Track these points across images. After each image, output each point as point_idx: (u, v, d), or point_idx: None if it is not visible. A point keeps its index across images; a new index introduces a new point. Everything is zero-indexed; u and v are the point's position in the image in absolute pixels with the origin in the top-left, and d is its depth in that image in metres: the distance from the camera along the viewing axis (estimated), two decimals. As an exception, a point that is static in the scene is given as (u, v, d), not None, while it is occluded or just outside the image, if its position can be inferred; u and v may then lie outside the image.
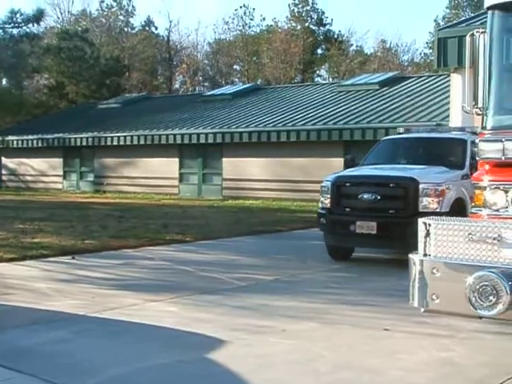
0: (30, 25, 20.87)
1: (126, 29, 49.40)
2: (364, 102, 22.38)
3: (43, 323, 5.76)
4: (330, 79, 46.76)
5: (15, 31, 20.64)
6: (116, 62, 43.04)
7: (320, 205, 10.37)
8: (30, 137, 29.39)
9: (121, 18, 49.53)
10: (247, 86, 33.79)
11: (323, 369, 4.57)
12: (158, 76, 50.35)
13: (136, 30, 49.72)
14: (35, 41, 22.67)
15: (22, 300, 6.62)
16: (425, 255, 4.69)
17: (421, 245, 4.74)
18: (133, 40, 47.04)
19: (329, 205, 10.19)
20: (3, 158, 31.20)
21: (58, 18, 48.41)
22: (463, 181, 10.06)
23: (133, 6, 50.10)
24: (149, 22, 49.47)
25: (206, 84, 50.73)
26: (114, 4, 49.54)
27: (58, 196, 24.71)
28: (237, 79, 50.98)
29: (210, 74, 51.61)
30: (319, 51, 51.85)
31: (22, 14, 20.63)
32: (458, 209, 9.64)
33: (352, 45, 52.13)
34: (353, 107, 21.84)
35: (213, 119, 24.65)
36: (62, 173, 28.84)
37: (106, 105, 33.19)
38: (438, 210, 9.51)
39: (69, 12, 48.95)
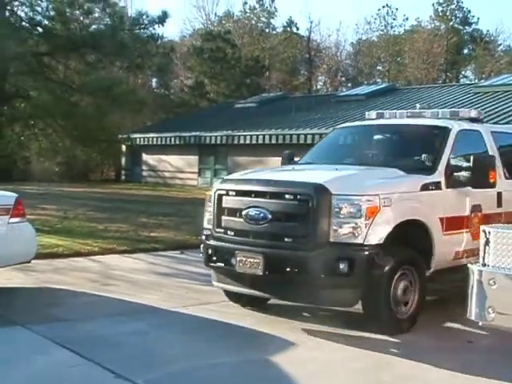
0: (156, 26, 21.55)
1: (267, 29, 50.07)
2: (501, 103, 21.35)
3: (128, 315, 5.98)
4: (476, 80, 45.00)
5: (141, 32, 21.41)
6: (256, 63, 43.73)
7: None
8: (169, 134, 30.45)
9: (263, 19, 50.25)
10: (382, 86, 33.21)
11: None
12: (298, 76, 50.61)
13: (277, 30, 50.30)
14: (160, 42, 23.44)
15: (119, 291, 6.94)
16: (483, 265, 4.56)
17: (480, 253, 4.70)
18: (273, 40, 47.58)
19: (209, 224, 6.80)
20: (144, 155, 32.61)
21: (203, 19, 49.93)
22: (426, 192, 6.63)
23: (275, 7, 50.67)
24: (290, 23, 49.81)
25: (349, 85, 50.42)
26: (257, 5, 50.41)
27: (192, 192, 25.44)
28: (379, 80, 50.28)
29: (350, 75, 51.23)
30: (465, 51, 50.09)
31: (147, 16, 21.43)
32: (408, 238, 6.39)
33: (500, 44, 49.90)
34: (488, 108, 20.89)
35: (345, 119, 24.42)
36: (197, 170, 29.66)
37: (242, 104, 33.79)
38: (358, 241, 5.98)
39: (214, 14, 50.38)
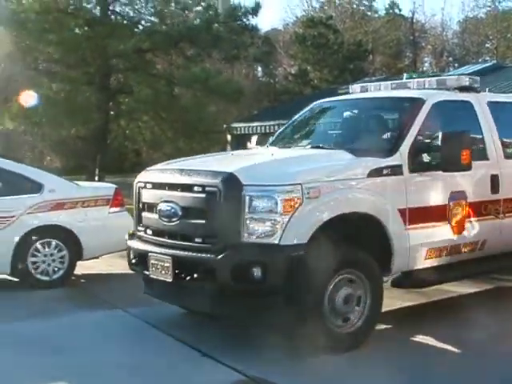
0: (250, 17, 21.97)
1: (368, 13, 49.45)
2: None
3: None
4: None
5: (236, 24, 21.89)
6: (358, 47, 43.33)
7: None
8: (272, 122, 30.77)
9: (364, 2, 49.67)
10: (488, 65, 32.09)
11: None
12: (403, 58, 49.68)
13: (379, 13, 49.57)
14: (254, 32, 23.86)
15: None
16: None
17: None
18: (376, 24, 46.95)
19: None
20: (248, 144, 33.13)
21: (304, 6, 49.95)
22: (378, 179, 5.72)
23: (377, -10, 50.01)
24: (392, 5, 48.88)
25: (456, 65, 48.94)
26: (359, -11, 49.87)
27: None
28: (488, 58, 48.50)
29: (457, 55, 49.74)
30: None
31: (241, 8, 21.87)
32: (354, 236, 5.56)
33: None
34: None
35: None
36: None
37: (345, 89, 33.68)
38: (272, 241, 5.12)
39: (315, 0, 50.32)
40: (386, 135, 6.40)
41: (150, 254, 5.74)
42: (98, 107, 22.05)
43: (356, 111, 7.37)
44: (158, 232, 5.84)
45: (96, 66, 21.92)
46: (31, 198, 8.84)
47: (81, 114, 21.09)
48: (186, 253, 5.44)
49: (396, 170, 5.85)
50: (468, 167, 6.01)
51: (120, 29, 22.04)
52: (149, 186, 6.02)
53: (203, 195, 5.36)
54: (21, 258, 8.65)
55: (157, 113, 22.82)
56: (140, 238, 6.10)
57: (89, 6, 22.80)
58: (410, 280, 6.16)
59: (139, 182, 6.20)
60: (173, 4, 22.69)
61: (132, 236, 6.28)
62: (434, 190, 6.21)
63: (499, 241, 6.73)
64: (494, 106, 6.94)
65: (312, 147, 6.51)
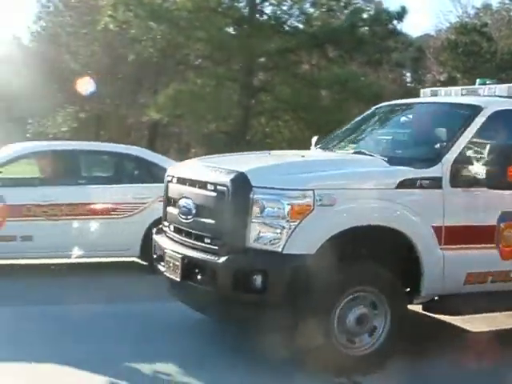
0: (395, 22, 21.79)
1: (527, 21, 47.32)
2: None
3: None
4: None
5: (380, 28, 21.80)
6: (512, 56, 41.66)
7: None
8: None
9: (524, 10, 47.58)
10: None
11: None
12: (561, 70, 47.14)
13: (539, 22, 47.24)
14: (399, 37, 23.61)
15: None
16: None
17: None
18: (535, 33, 44.87)
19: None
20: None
21: (458, 12, 48.64)
22: (409, 190, 5.29)
23: (538, -3, 47.66)
24: (554, 14, 46.58)
25: None
26: (518, -4, 47.79)
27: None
28: None
29: None
30: None
31: (387, 13, 21.76)
32: (377, 251, 5.19)
33: None
34: None
35: None
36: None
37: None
38: (276, 249, 4.86)
39: (471, 6, 48.86)
40: (433, 144, 5.81)
41: (165, 250, 5.68)
42: (240, 104, 22.74)
43: (411, 117, 6.88)
44: (177, 229, 5.73)
45: (241, 63, 22.65)
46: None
47: (223, 109, 21.85)
48: (195, 253, 5.26)
49: (433, 183, 5.35)
50: (469, 183, 5.47)
51: (266, 29, 22.61)
52: (174, 180, 5.89)
53: (214, 194, 5.17)
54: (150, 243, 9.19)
55: (296, 112, 23.18)
56: (165, 234, 6.00)
57: (239, 5, 23.56)
58: (444, 305, 5.67)
59: (168, 175, 6.08)
60: (319, 6, 22.99)
61: (159, 231, 6.19)
62: (479, 209, 5.63)
63: None
64: None
65: (355, 152, 6.13)
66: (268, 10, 23.29)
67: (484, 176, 5.37)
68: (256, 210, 4.87)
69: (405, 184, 5.27)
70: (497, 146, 5.52)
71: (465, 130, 5.66)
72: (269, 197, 4.89)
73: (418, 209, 5.31)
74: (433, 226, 5.36)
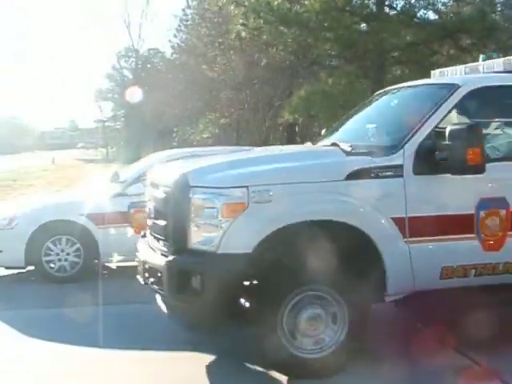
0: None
1: None
2: None
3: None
4: None
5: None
6: None
7: None
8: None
9: None
10: None
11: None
12: None
13: None
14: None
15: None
16: None
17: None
18: None
19: None
20: None
21: None
22: (362, 181, 4.93)
23: None
24: None
25: None
26: None
27: None
28: None
29: None
30: None
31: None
32: (316, 247, 4.74)
33: None
34: None
35: None
36: None
37: None
38: (211, 249, 4.74)
39: None
40: (399, 130, 5.47)
41: (136, 254, 5.80)
42: (374, 100, 22.90)
43: (394, 102, 6.59)
44: (147, 231, 5.85)
45: (371, 60, 22.83)
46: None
47: (356, 106, 22.08)
48: (152, 256, 5.29)
49: (392, 172, 5.01)
50: (478, 170, 4.98)
51: (395, 23, 22.64)
52: (148, 183, 5.99)
53: (163, 195, 5.21)
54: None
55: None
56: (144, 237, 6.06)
57: (368, 2, 23.75)
58: (420, 302, 5.45)
59: (146, 179, 6.19)
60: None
61: (144, 236, 6.10)
62: (452, 196, 5.24)
63: None
64: None
65: (332, 144, 5.83)
66: (396, 3, 23.28)
67: (449, 161, 4.99)
68: (194, 210, 4.82)
69: (356, 175, 4.95)
70: (454, 128, 5.01)
71: (434, 112, 5.30)
72: (205, 196, 4.81)
73: (373, 200, 5.00)
74: (393, 218, 5.01)
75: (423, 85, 6.31)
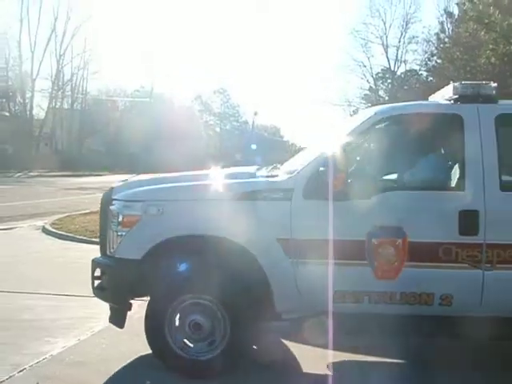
0: None
1: None
2: None
3: None
4: None
5: None
6: None
7: None
8: None
9: None
10: None
11: None
12: None
13: None
14: None
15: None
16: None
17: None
18: None
19: None
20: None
21: None
22: (252, 202, 5.07)
23: None
24: None
25: None
26: None
27: None
28: None
29: None
30: None
31: None
32: (198, 259, 5.15)
33: None
34: None
35: None
36: None
37: None
38: (112, 254, 5.37)
39: None
40: (304, 154, 5.65)
41: None
42: None
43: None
44: None
45: None
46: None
47: None
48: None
49: (282, 195, 5.14)
50: (341, 196, 5.00)
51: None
52: None
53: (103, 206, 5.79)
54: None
55: None
56: None
57: None
58: (306, 326, 5.29)
59: None
60: None
61: None
62: (342, 222, 5.06)
63: (482, 299, 5.12)
64: (506, 119, 5.31)
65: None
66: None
67: (339, 188, 5.02)
68: (110, 219, 5.46)
69: (247, 196, 5.17)
70: (318, 154, 5.22)
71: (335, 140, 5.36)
72: (116, 208, 5.41)
73: (260, 220, 5.13)
74: (278, 239, 5.11)
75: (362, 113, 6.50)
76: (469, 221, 5.03)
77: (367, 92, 63.26)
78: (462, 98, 5.40)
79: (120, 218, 5.36)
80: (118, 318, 5.59)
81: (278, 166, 5.89)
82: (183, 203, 5.33)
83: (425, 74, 48.83)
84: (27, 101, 59.55)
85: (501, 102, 5.50)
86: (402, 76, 60.60)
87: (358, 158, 5.55)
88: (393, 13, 60.13)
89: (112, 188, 5.80)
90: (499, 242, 5.05)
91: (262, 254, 5.14)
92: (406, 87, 58.09)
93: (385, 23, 58.00)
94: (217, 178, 5.71)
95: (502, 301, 5.13)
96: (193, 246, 5.21)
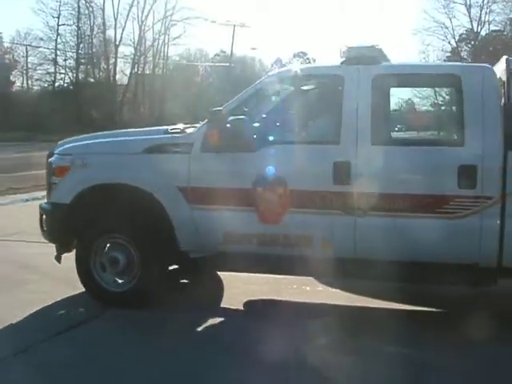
0: None
1: None
2: None
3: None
4: None
5: None
6: None
7: None
8: None
9: None
10: None
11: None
12: None
13: None
14: None
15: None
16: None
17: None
18: None
19: None
20: None
21: None
22: (156, 155, 5.96)
23: None
24: None
25: None
26: None
27: None
28: None
29: None
30: None
31: None
32: (115, 204, 6.03)
33: None
34: None
35: None
36: None
37: None
38: (49, 199, 6.40)
39: None
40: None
41: None
42: None
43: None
44: None
45: None
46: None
47: None
48: None
49: (183, 148, 5.91)
50: (232, 149, 5.72)
51: None
52: None
53: None
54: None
55: None
56: None
57: None
58: (204, 262, 6.09)
59: None
60: None
61: None
62: (231, 172, 5.79)
63: (356, 242, 5.63)
64: (384, 80, 5.78)
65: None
66: None
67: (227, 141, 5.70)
68: (49, 170, 6.43)
69: (152, 150, 5.98)
70: (212, 110, 5.83)
71: (234, 99, 6.06)
72: (52, 160, 6.39)
73: (163, 171, 5.94)
74: (178, 187, 5.87)
75: None
76: (342, 171, 5.57)
77: (449, 54, 61.69)
78: (347, 60, 5.90)
79: (54, 169, 6.35)
80: (57, 256, 6.46)
81: (196, 124, 6.50)
82: (102, 156, 6.23)
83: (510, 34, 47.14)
84: (111, 67, 61.44)
85: (385, 63, 5.99)
86: (486, 37, 58.78)
87: (252, 116, 6.03)
88: (476, -29, 57.98)
89: (57, 143, 6.79)
90: (369, 191, 5.54)
91: (166, 200, 5.93)
92: (491, 48, 56.36)
93: (468, -19, 56.18)
94: (136, 135, 6.56)
95: (373, 245, 5.63)
96: (110, 193, 6.09)
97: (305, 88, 6.31)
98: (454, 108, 5.69)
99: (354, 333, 5.43)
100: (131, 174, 6.03)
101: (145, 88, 63.56)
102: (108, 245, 6.19)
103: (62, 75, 60.94)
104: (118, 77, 63.27)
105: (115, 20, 60.12)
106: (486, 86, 5.49)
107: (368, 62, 5.84)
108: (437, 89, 6.29)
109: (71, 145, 6.60)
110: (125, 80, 63.45)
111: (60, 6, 56.89)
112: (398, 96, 5.84)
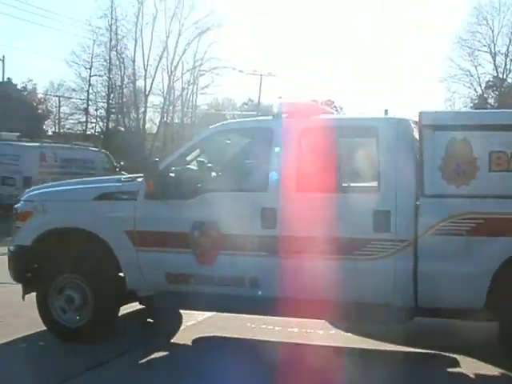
0: None
1: None
2: None
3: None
4: None
5: None
6: None
7: None
8: None
9: None
10: None
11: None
12: None
13: None
14: None
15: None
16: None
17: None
18: None
19: None
20: None
21: None
22: (105, 202, 6.52)
23: None
24: None
25: None
26: None
27: None
28: None
29: None
30: None
31: None
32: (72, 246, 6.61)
33: None
34: None
35: None
36: None
37: None
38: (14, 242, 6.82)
39: None
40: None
41: None
42: None
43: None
44: None
45: None
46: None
47: None
48: None
49: (129, 196, 6.44)
50: (173, 196, 6.23)
51: None
52: None
53: None
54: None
55: None
56: None
57: None
58: (151, 300, 6.49)
59: None
60: None
61: None
62: (171, 217, 6.29)
63: (283, 282, 5.99)
64: (311, 132, 6.27)
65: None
66: None
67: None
68: (15, 215, 6.97)
69: (102, 197, 6.54)
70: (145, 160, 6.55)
71: (179, 150, 6.81)
72: (18, 206, 6.98)
73: (112, 216, 6.45)
74: (125, 230, 6.35)
75: None
76: (268, 217, 6.03)
77: (476, 101, 61.84)
78: (277, 114, 6.46)
79: (19, 214, 6.94)
80: (23, 295, 6.95)
81: None
82: (58, 203, 6.81)
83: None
84: (140, 116, 62.76)
85: (315, 117, 6.52)
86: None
87: (190, 166, 6.68)
88: (501, 20, 58.32)
89: (25, 192, 7.44)
90: (291, 234, 5.98)
91: (115, 242, 6.44)
92: (515, 95, 56.44)
93: (492, 31, 56.57)
94: (90, 183, 7.17)
95: (299, 285, 5.99)
96: (66, 236, 6.63)
97: (239, 140, 6.91)
98: (372, 157, 6.10)
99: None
100: (84, 219, 6.58)
101: (174, 136, 64.63)
102: (64, 284, 6.61)
103: (93, 124, 62.42)
104: (147, 126, 64.47)
105: (145, 71, 61.55)
106: (401, 137, 5.91)
107: (298, 115, 6.33)
108: (358, 139, 6.66)
109: (35, 192, 7.19)
110: (154, 129, 64.76)
111: (92, 57, 58.53)
112: (325, 146, 6.22)
